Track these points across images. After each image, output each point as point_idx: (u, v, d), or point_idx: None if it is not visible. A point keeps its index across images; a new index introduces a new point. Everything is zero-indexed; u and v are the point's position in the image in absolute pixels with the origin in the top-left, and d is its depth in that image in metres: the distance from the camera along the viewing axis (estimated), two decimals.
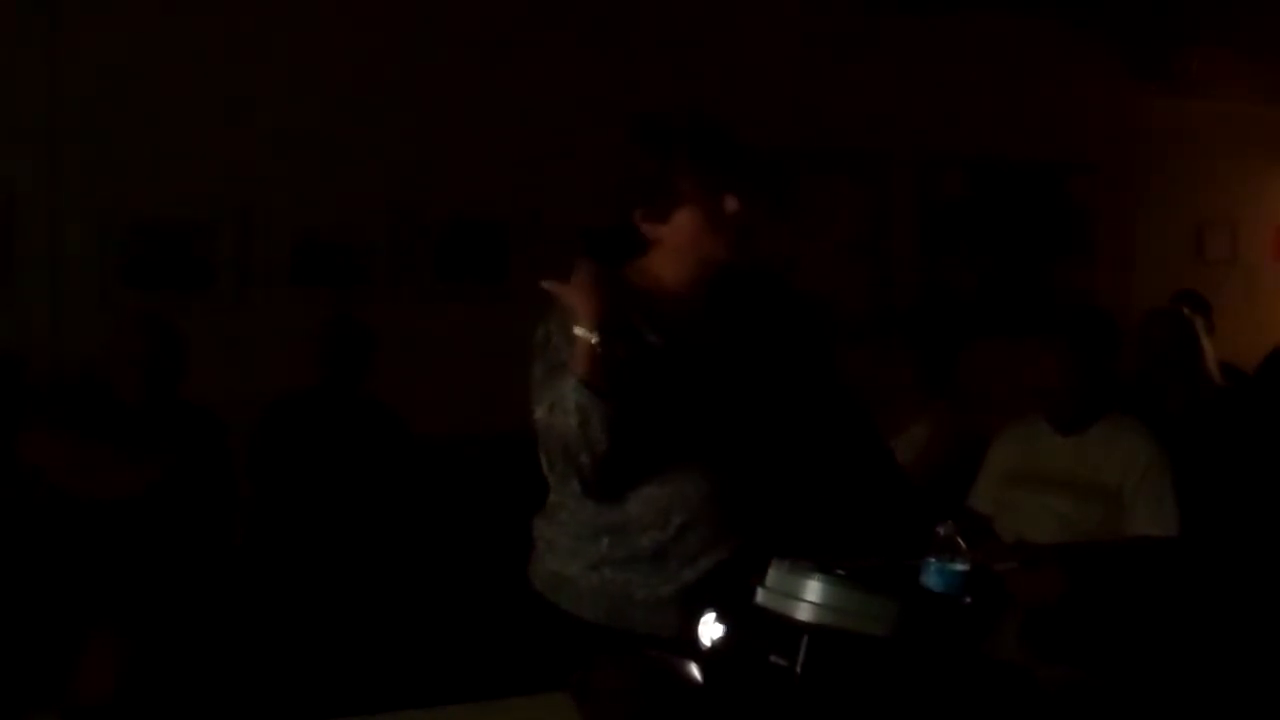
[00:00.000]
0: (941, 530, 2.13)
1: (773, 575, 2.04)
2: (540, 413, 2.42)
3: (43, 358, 4.76)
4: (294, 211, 5.46)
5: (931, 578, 2.10)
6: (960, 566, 2.10)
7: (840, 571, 1.99)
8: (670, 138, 2.51)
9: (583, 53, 5.92)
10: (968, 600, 2.09)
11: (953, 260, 7.10)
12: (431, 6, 5.73)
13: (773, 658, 1.96)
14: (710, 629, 2.12)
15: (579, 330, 2.34)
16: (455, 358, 5.55)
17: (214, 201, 5.31)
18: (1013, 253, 7.26)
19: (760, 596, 2.04)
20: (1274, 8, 6.65)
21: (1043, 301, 7.21)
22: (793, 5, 6.44)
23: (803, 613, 1.97)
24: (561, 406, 2.37)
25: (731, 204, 2.49)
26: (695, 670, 2.10)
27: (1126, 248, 7.53)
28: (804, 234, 6.43)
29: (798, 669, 1.92)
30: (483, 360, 5.53)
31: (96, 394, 4.28)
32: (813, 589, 1.97)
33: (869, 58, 6.61)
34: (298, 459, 4.73)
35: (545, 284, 2.37)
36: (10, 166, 5.04)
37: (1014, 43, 6.97)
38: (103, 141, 5.11)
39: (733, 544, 2.48)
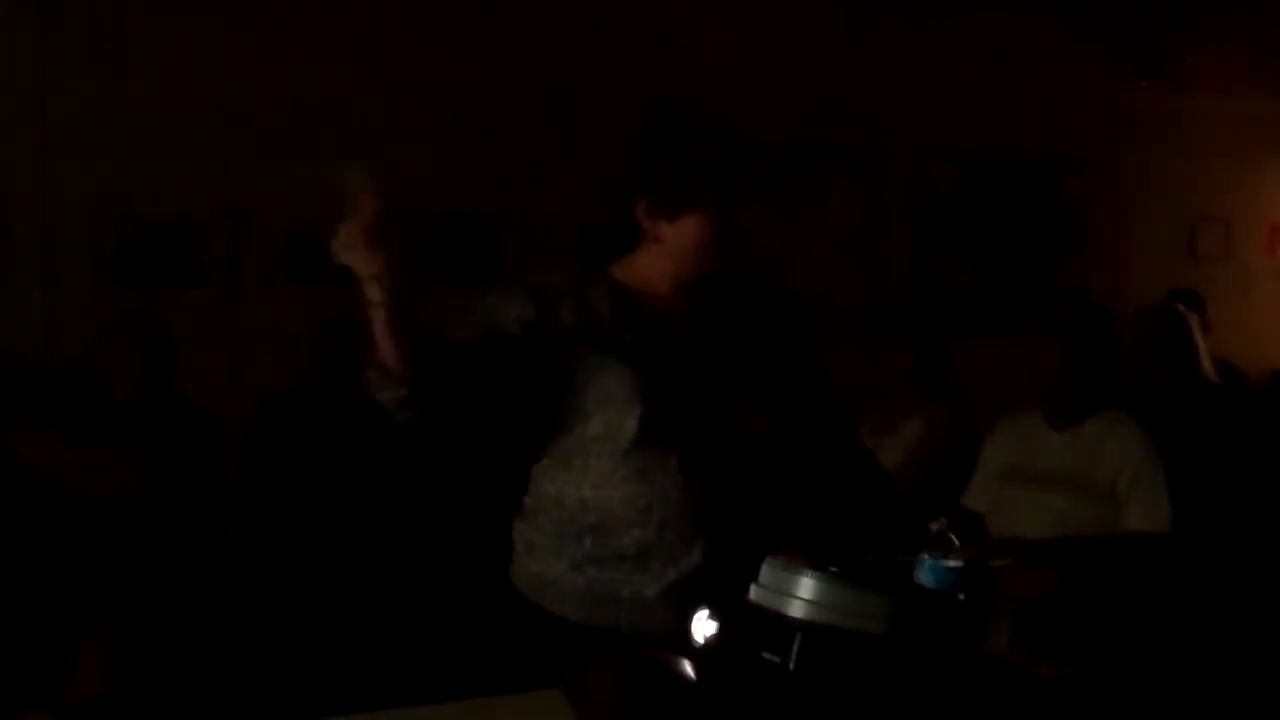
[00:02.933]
0: (934, 527, 2.13)
1: (766, 572, 2.04)
2: None
3: (36, 356, 4.75)
4: (287, 208, 5.46)
5: (925, 575, 2.10)
6: (954, 563, 2.10)
7: (834, 569, 1.99)
8: (694, 138, 2.49)
9: (576, 49, 5.92)
10: (961, 597, 2.09)
11: (946, 257, 7.10)
12: (425, 5, 5.73)
13: (766, 655, 1.96)
14: (703, 626, 2.12)
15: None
16: None
17: (206, 198, 5.30)
18: (1006, 249, 7.26)
19: (753, 593, 2.04)
20: (1268, 3, 6.65)
21: (1036, 298, 7.21)
22: (787, 2, 6.44)
23: (796, 610, 1.96)
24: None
25: (741, 216, 2.49)
26: (688, 668, 2.09)
27: (1119, 244, 7.53)
28: (798, 231, 6.43)
29: (791, 666, 1.92)
30: None
31: (90, 392, 4.28)
32: (806, 586, 1.97)
33: (863, 54, 6.61)
34: (293, 457, 4.72)
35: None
36: (2, 164, 5.03)
37: (1007, 39, 6.97)
38: (95, 139, 5.10)
39: (714, 542, 2.47)
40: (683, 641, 2.13)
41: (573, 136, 5.73)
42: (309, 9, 5.49)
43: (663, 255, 2.53)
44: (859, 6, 6.57)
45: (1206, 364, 4.54)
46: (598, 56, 5.93)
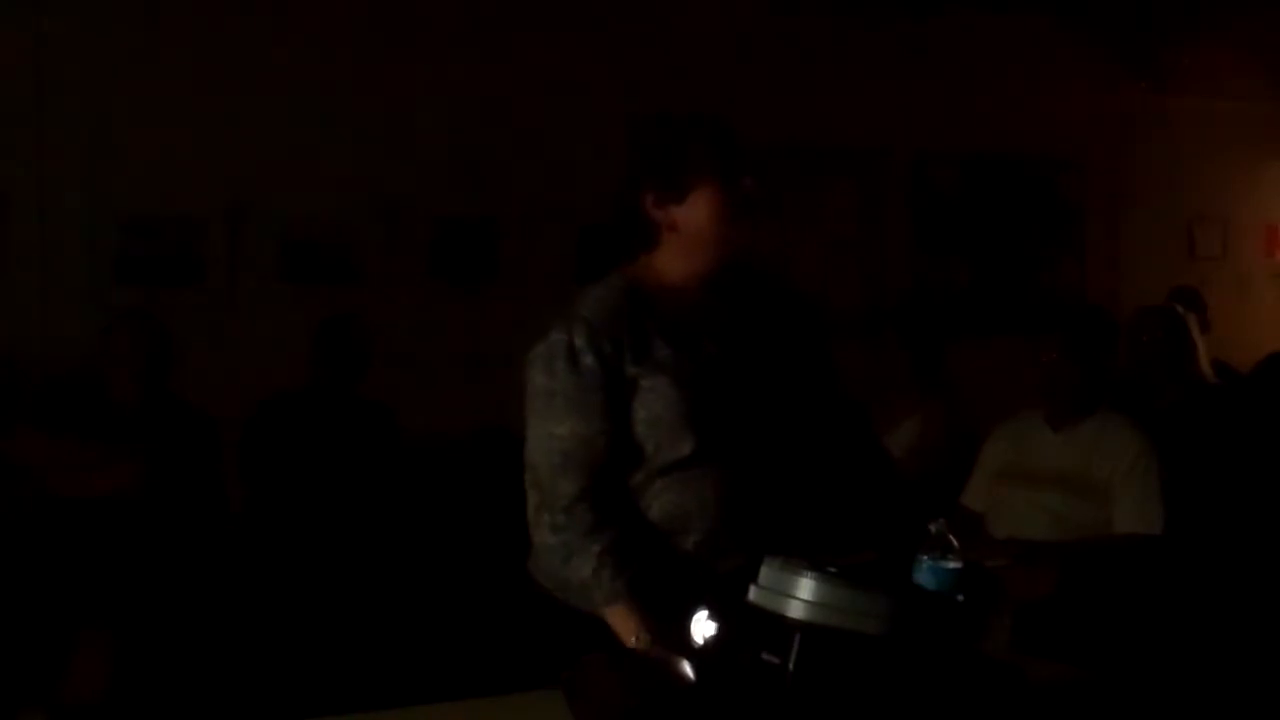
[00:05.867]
0: (933, 528, 2.13)
1: (765, 573, 2.04)
2: (544, 428, 2.44)
3: (34, 355, 4.75)
4: (285, 208, 5.46)
5: (924, 575, 2.10)
6: (953, 564, 2.10)
7: (832, 569, 1.99)
8: (688, 122, 2.52)
9: (576, 50, 5.92)
10: (960, 598, 2.08)
11: (944, 257, 7.11)
12: (422, 3, 5.73)
13: (765, 656, 1.96)
14: (702, 627, 2.12)
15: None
16: (446, 355, 5.54)
17: (205, 198, 5.30)
18: (1004, 249, 7.27)
19: (752, 594, 2.04)
20: (1264, 4, 6.65)
21: (1033, 298, 7.21)
22: (786, 3, 6.44)
23: (795, 610, 1.96)
24: (546, 445, 2.43)
25: (749, 184, 2.47)
26: (687, 668, 2.09)
27: (1117, 245, 7.53)
28: (796, 230, 6.43)
29: (790, 667, 1.92)
30: (474, 357, 5.53)
31: (87, 391, 4.28)
32: (805, 587, 1.97)
33: (861, 56, 6.61)
34: (290, 457, 4.72)
35: None
36: (2, 164, 5.03)
37: (1005, 40, 6.97)
38: (93, 138, 5.10)
39: (751, 547, 2.45)
40: (683, 641, 2.13)
41: (573, 137, 5.73)
42: (309, 9, 5.49)
43: (680, 245, 2.49)
44: (856, 7, 6.57)
45: (1204, 364, 4.54)
46: (599, 58, 5.93)
